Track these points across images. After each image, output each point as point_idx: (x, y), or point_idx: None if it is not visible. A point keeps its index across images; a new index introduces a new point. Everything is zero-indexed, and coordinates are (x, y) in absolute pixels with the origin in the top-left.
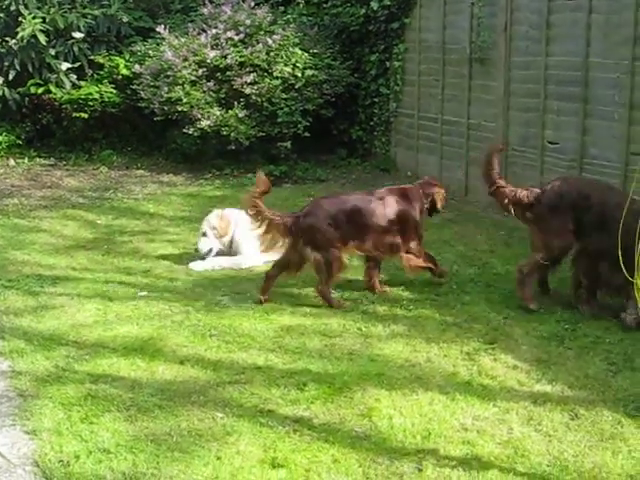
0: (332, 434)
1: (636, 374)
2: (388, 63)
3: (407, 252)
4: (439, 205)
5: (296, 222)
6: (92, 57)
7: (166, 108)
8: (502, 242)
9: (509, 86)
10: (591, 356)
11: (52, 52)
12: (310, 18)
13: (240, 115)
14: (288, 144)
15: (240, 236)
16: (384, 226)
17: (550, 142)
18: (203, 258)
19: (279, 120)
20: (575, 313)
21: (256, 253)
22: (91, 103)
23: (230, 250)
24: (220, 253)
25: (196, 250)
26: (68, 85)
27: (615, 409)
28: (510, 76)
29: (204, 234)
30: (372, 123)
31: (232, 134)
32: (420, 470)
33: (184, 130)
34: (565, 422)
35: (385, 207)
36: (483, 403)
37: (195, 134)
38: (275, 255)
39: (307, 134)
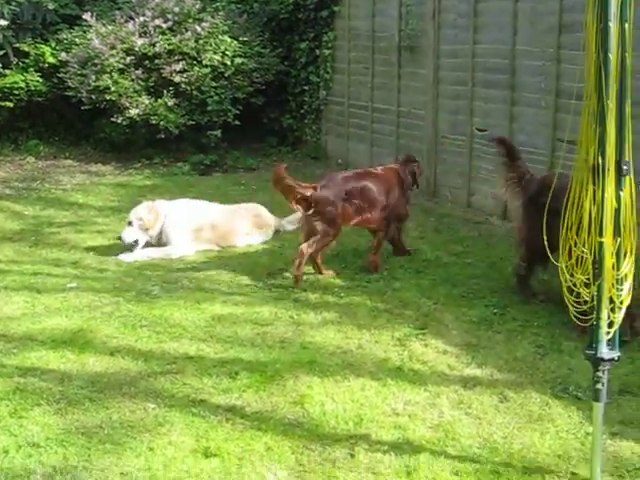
0: (265, 422)
1: (563, 356)
2: (318, 51)
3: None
4: (417, 180)
5: (313, 193)
6: (17, 45)
7: (94, 97)
8: (432, 228)
9: (438, 74)
10: (519, 339)
11: None
12: (239, 5)
13: (169, 104)
14: (218, 133)
15: (170, 227)
16: (385, 203)
17: (479, 129)
18: (132, 249)
19: (209, 109)
20: (504, 297)
21: (187, 243)
22: (17, 92)
23: (159, 242)
24: (149, 245)
25: (119, 238)
26: None
27: (543, 391)
28: (439, 64)
29: (130, 223)
30: (302, 111)
31: (161, 123)
32: (352, 456)
33: (112, 119)
34: (494, 405)
35: (384, 185)
36: (414, 388)
37: (124, 123)
38: (206, 245)
39: (237, 122)
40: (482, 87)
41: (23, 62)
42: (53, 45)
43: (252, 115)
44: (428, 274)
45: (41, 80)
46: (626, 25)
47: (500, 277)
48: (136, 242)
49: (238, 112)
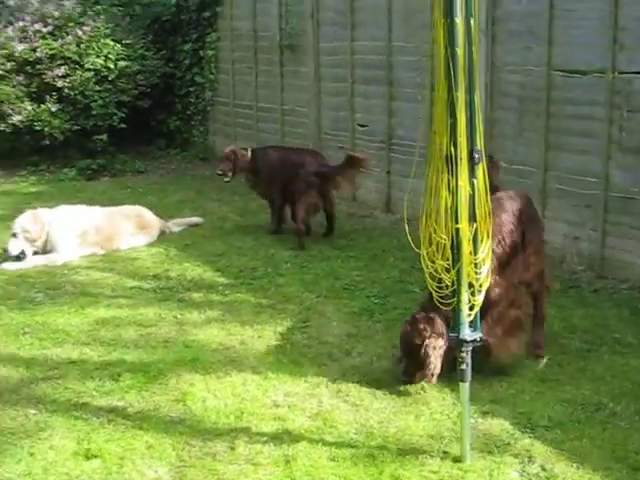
0: (146, 421)
1: None
2: (202, 52)
3: None
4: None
5: None
6: None
7: None
8: (317, 223)
9: (319, 71)
10: (399, 327)
11: None
12: (121, 8)
13: (53, 109)
14: (104, 137)
15: (55, 234)
16: None
17: (360, 125)
18: (19, 260)
19: (93, 113)
20: (385, 288)
21: (72, 248)
22: None
23: (44, 250)
24: (35, 253)
25: (4, 251)
26: None
27: None
28: (320, 61)
29: (14, 235)
30: (189, 112)
31: (46, 129)
32: (232, 449)
33: None
34: (372, 392)
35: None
36: (295, 379)
37: (7, 130)
38: (91, 249)
39: (123, 126)
40: (362, 83)
41: None
42: None
43: (139, 118)
44: (312, 268)
45: None
46: (471, 20)
47: (381, 268)
48: (23, 253)
49: (124, 115)
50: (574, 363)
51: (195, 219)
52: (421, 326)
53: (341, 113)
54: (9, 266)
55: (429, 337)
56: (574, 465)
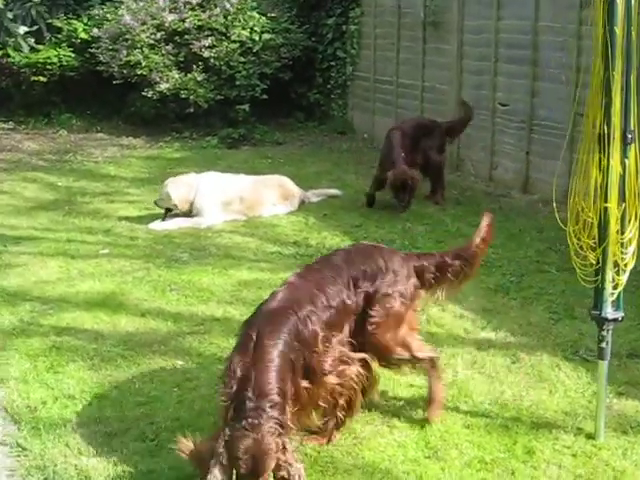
0: None
1: (575, 322)
2: (345, 27)
3: None
4: None
5: None
6: (50, 21)
7: (125, 72)
8: (454, 201)
9: (462, 49)
10: (534, 306)
11: (10, 15)
12: None
13: (199, 78)
14: (246, 107)
15: (201, 199)
16: None
17: (501, 104)
18: (164, 218)
19: (237, 83)
20: (521, 267)
21: (216, 214)
22: (50, 67)
23: (191, 213)
24: (180, 216)
25: (155, 204)
26: (26, 49)
27: (554, 354)
28: (463, 39)
29: (162, 197)
30: (329, 86)
31: (191, 97)
32: (369, 410)
33: (143, 93)
34: (507, 365)
35: None
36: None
37: (154, 97)
38: (234, 216)
39: (265, 97)
40: (505, 62)
41: (56, 38)
42: (85, 21)
43: (279, 90)
44: (448, 244)
45: (73, 55)
46: (632, 0)
47: (518, 247)
48: (169, 210)
49: (265, 87)
50: None
51: (333, 191)
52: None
53: (482, 92)
54: (156, 226)
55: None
56: None
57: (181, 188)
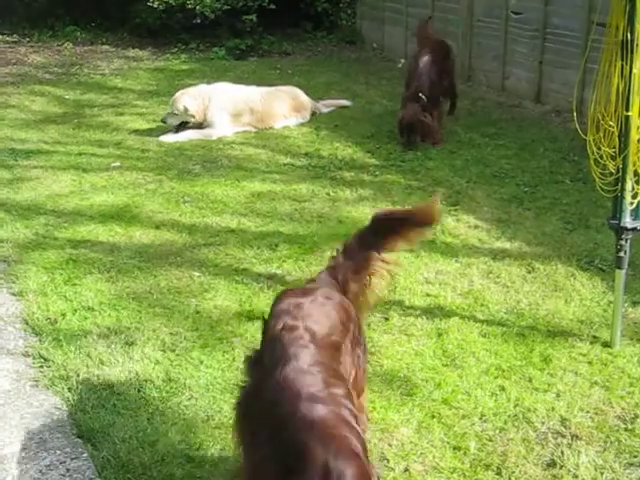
0: None
1: (590, 232)
2: None
3: None
4: None
5: None
6: None
7: None
8: (466, 111)
9: None
10: (549, 216)
11: None
12: None
13: None
14: (253, 17)
15: (212, 111)
16: None
17: (514, 12)
18: (175, 131)
19: None
20: (534, 177)
21: (227, 126)
22: None
23: (202, 124)
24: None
25: (162, 121)
26: None
27: (569, 263)
28: None
29: (173, 109)
30: None
31: (197, 7)
32: (387, 319)
33: (148, 4)
34: (522, 275)
35: None
36: (446, 259)
37: (160, 8)
38: (245, 127)
39: (272, 7)
40: None
41: None
42: None
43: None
44: (461, 154)
45: None
46: None
47: (531, 158)
48: (182, 125)
49: None
50: None
51: (343, 101)
52: None
53: (495, 0)
54: (166, 138)
55: None
56: None
57: (197, 99)
